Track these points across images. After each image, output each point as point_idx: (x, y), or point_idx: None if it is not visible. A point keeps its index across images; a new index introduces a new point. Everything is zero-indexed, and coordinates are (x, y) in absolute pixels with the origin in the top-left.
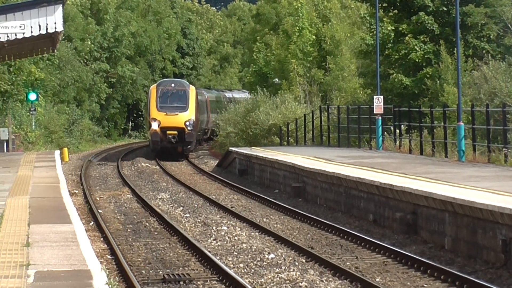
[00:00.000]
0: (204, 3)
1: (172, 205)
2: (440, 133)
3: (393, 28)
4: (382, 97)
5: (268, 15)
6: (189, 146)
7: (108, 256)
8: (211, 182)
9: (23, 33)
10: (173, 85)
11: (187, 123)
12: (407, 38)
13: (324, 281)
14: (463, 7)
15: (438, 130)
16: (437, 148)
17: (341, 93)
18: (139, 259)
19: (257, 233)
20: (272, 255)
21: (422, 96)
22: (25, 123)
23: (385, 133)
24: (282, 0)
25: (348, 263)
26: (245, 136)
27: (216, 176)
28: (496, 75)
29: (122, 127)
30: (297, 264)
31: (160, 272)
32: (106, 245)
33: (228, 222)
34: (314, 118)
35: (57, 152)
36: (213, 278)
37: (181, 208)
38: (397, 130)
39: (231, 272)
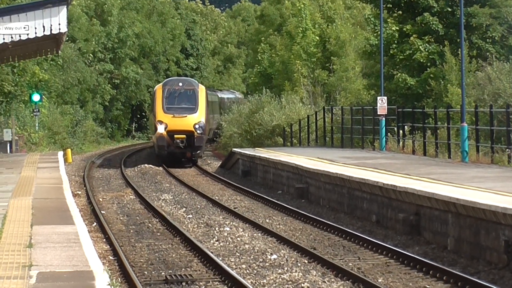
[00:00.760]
0: (209, 4)
1: (175, 206)
2: (443, 134)
3: (397, 28)
4: (386, 98)
5: (272, 16)
6: (198, 151)
7: (111, 257)
8: (214, 183)
9: (27, 34)
10: (180, 84)
11: (197, 126)
12: (411, 38)
13: (326, 282)
14: (468, 7)
15: (441, 131)
16: (441, 149)
17: (345, 94)
18: (142, 260)
19: (259, 234)
20: (274, 256)
21: (426, 97)
22: (28, 124)
23: (389, 134)
24: (286, 1)
25: (350, 264)
26: (249, 137)
27: (219, 177)
28: (500, 76)
29: (126, 128)
30: (299, 265)
31: (163, 273)
32: (108, 246)
33: (231, 223)
34: (317, 119)
35: (60, 153)
36: (215, 279)
37: (184, 209)
38: (401, 131)
39: (233, 273)
